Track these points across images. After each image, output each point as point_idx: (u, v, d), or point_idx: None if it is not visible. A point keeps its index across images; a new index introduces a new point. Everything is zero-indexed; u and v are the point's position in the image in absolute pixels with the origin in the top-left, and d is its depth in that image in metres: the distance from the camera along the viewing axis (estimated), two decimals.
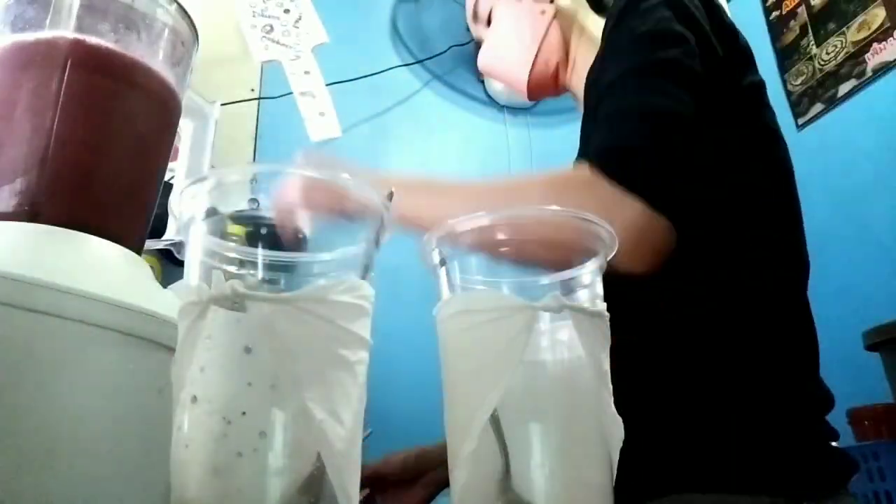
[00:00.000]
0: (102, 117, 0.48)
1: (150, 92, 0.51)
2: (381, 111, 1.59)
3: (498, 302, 0.36)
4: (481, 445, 0.36)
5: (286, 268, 0.34)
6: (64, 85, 0.47)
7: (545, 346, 0.37)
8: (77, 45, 0.47)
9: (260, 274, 0.33)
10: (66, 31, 0.48)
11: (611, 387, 0.38)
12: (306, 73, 1.30)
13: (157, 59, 0.52)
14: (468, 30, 1.84)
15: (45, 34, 0.48)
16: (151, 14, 0.52)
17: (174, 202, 0.35)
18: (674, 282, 0.61)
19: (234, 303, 0.31)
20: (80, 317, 0.39)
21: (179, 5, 0.54)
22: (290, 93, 1.31)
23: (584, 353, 0.37)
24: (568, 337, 0.37)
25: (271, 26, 1.29)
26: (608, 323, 0.39)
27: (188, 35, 0.56)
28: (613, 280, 0.59)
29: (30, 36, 0.48)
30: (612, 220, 0.44)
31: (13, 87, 0.47)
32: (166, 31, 0.53)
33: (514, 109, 1.73)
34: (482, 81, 1.73)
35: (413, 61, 1.67)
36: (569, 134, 1.72)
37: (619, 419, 0.38)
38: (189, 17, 0.56)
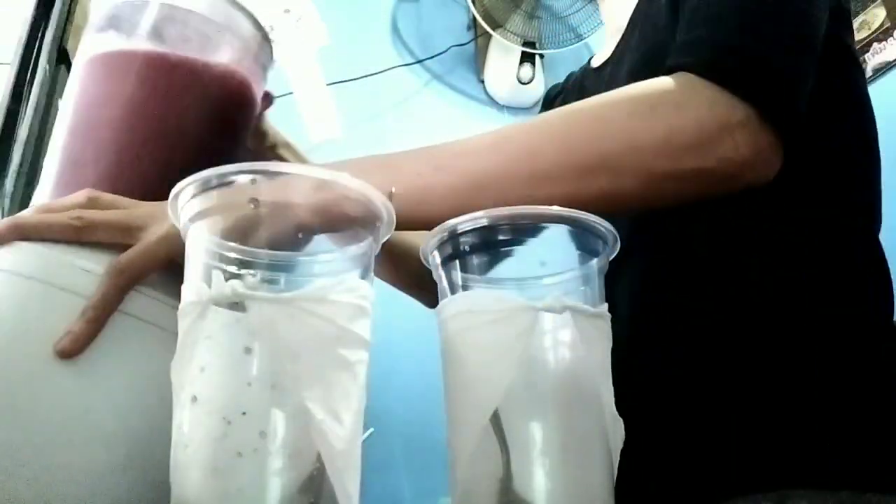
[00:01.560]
0: (179, 131, 0.49)
1: (227, 101, 0.51)
2: (381, 111, 1.59)
3: (500, 303, 0.36)
4: (482, 445, 0.36)
5: (286, 268, 0.34)
6: (143, 98, 0.48)
7: (547, 346, 0.37)
8: (152, 55, 0.48)
9: (260, 274, 0.33)
10: (143, 42, 0.49)
11: (612, 387, 0.38)
12: (307, 73, 1.30)
13: (236, 70, 0.52)
14: (468, 29, 1.84)
15: (124, 47, 0.49)
16: (227, 25, 0.52)
17: (174, 202, 0.35)
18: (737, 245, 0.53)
19: (235, 303, 0.31)
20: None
21: (252, 15, 0.55)
22: (291, 93, 1.31)
23: (585, 353, 0.37)
24: (570, 337, 0.37)
25: (272, 26, 1.29)
26: (609, 323, 0.39)
27: (261, 44, 0.56)
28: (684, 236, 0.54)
29: (109, 48, 0.49)
30: (724, 135, 0.40)
31: (93, 99, 0.48)
32: (241, 40, 0.53)
33: (514, 109, 1.73)
34: (482, 81, 1.73)
35: (413, 61, 1.67)
36: None
37: (620, 419, 0.38)
38: (261, 27, 0.56)
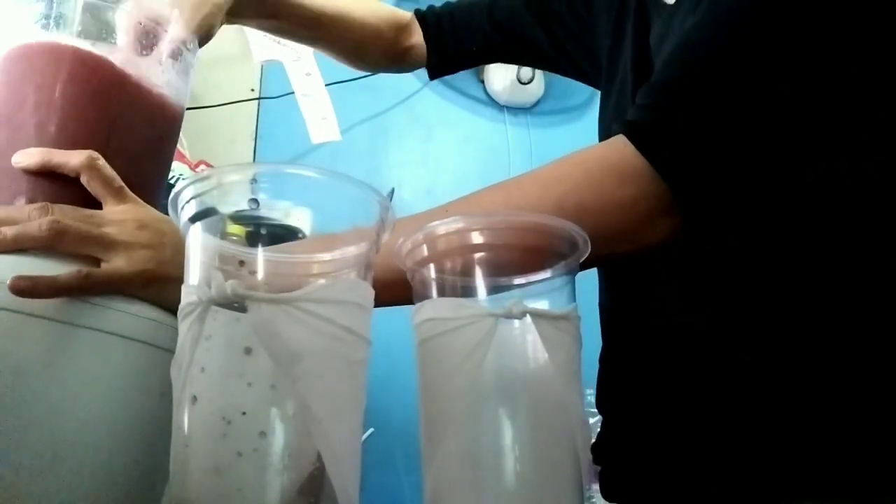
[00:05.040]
0: (106, 123, 0.48)
1: (153, 96, 0.51)
2: (381, 111, 1.59)
3: (459, 310, 0.37)
4: (452, 452, 0.36)
5: (286, 268, 0.34)
6: (66, 90, 0.47)
7: (507, 352, 0.38)
8: (78, 49, 0.48)
9: (260, 274, 0.33)
10: (69, 35, 0.48)
11: (581, 390, 0.39)
12: (307, 75, 1.30)
13: (158, 63, 0.52)
14: None
15: (49, 38, 0.48)
16: (151, 18, 0.52)
17: (174, 202, 0.35)
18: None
19: (234, 303, 0.31)
20: (82, 322, 0.39)
21: (178, 10, 0.54)
22: (291, 93, 1.31)
23: (547, 356, 0.37)
24: (531, 342, 0.38)
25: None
26: (577, 324, 0.40)
27: (189, 37, 0.56)
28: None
29: (34, 39, 0.48)
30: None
31: (17, 93, 0.47)
32: (167, 34, 0.53)
33: (514, 109, 1.73)
34: (482, 81, 1.73)
35: None
36: (569, 134, 1.72)
37: (588, 422, 0.38)
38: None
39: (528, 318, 0.37)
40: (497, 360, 0.37)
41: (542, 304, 0.38)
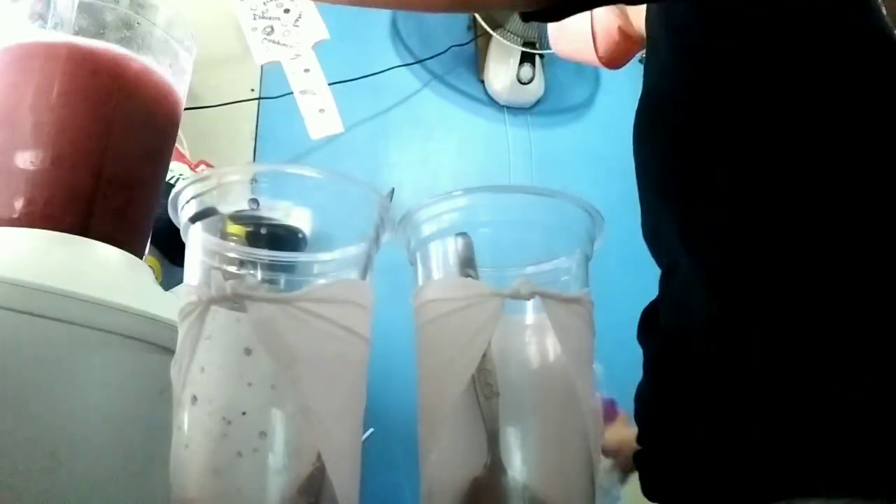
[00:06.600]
0: (103, 123, 0.48)
1: (151, 95, 0.51)
2: (381, 111, 1.59)
3: (467, 290, 0.35)
4: (454, 433, 0.35)
5: (286, 268, 0.34)
6: (64, 90, 0.47)
7: (514, 332, 0.36)
8: (75, 49, 0.48)
9: (260, 274, 0.33)
10: (66, 35, 0.48)
11: (591, 378, 0.36)
12: (306, 70, 1.30)
13: (156, 63, 0.52)
14: (468, 29, 1.84)
15: (45, 37, 0.48)
16: (150, 18, 0.52)
17: (174, 202, 0.35)
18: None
19: (234, 303, 0.31)
20: (81, 321, 0.39)
21: (176, 9, 0.54)
22: (291, 93, 1.31)
23: (557, 338, 0.35)
24: (540, 323, 0.35)
25: (272, 28, 1.29)
26: (590, 308, 0.37)
27: (186, 37, 0.56)
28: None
29: (30, 38, 0.48)
30: None
31: (14, 93, 0.47)
32: (165, 34, 0.53)
33: (514, 109, 1.73)
34: (482, 81, 1.73)
35: (413, 61, 1.67)
36: (569, 134, 1.72)
37: (601, 416, 0.36)
38: (186, 20, 0.56)
39: (538, 300, 0.34)
40: (503, 345, 0.35)
41: (552, 287, 0.35)
